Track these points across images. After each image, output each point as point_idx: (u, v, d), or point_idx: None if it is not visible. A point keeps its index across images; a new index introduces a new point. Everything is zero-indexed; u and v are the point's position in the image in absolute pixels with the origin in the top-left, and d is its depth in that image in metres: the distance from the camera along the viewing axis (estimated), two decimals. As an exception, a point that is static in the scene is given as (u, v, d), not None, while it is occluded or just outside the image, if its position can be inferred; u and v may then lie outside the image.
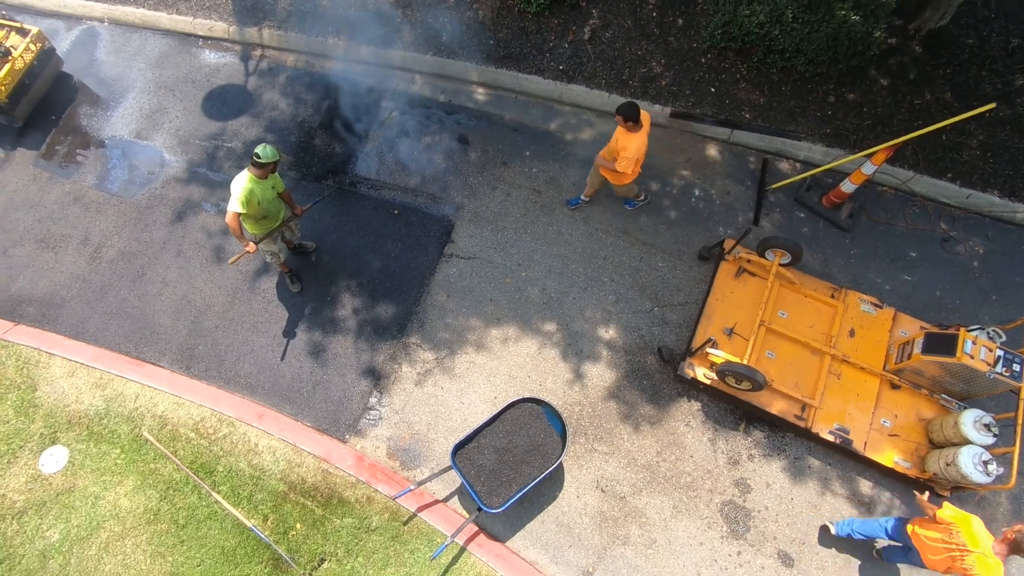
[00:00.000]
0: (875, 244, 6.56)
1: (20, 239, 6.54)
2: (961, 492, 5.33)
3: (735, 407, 5.82)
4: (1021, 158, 6.69)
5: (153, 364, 5.99)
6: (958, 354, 4.96)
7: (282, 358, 5.99)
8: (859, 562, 5.28)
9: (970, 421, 5.00)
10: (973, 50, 7.10)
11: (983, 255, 6.48)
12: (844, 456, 5.61)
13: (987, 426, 4.93)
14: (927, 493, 4.67)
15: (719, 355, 5.45)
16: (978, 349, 4.93)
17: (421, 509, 5.39)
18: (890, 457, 5.34)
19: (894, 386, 5.58)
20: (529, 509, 5.43)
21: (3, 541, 5.23)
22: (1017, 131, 6.77)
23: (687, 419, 5.81)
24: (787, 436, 5.74)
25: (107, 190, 6.80)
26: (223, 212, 6.63)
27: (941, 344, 5.12)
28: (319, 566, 5.16)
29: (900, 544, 4.89)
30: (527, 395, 5.45)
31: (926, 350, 5.18)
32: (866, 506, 5.47)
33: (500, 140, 7.10)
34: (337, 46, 7.50)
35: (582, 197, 6.56)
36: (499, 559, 5.23)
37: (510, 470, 5.05)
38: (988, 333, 5.22)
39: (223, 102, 7.29)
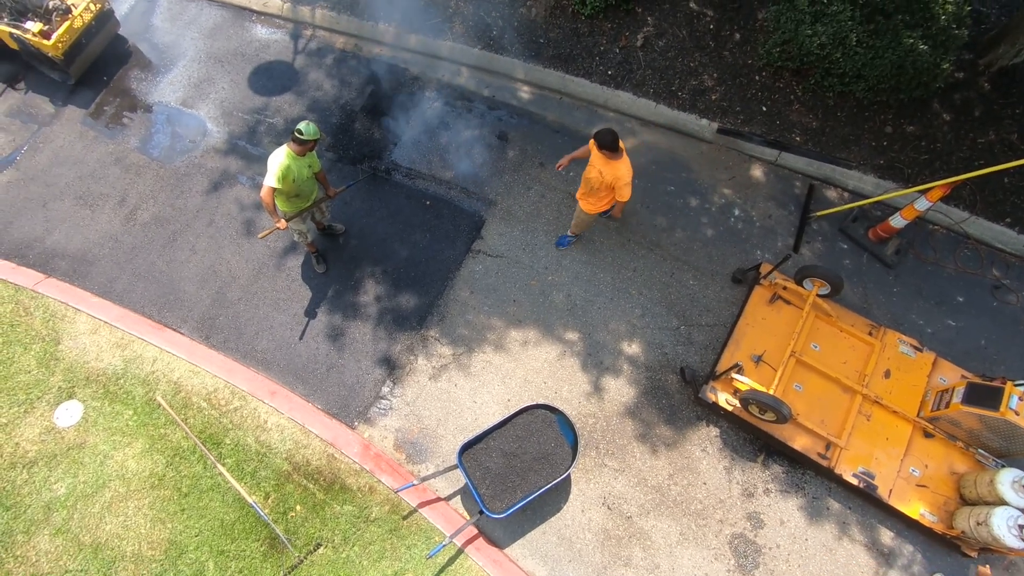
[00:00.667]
0: (920, 284, 6.27)
1: (60, 194, 6.66)
2: (989, 554, 5.03)
3: (755, 437, 5.60)
4: (1087, 209, 6.33)
5: (174, 330, 6.02)
6: (1002, 408, 4.69)
7: (300, 337, 5.97)
8: (871, 615, 5.02)
9: (1008, 481, 4.71)
10: (1046, 91, 6.75)
11: (1036, 307, 6.14)
12: (866, 502, 5.35)
13: (1026, 488, 4.64)
14: (988, 567, 4.40)
15: (744, 381, 5.24)
16: (1024, 406, 4.64)
17: (422, 505, 5.29)
18: (916, 509, 5.06)
19: (927, 434, 5.31)
20: (531, 518, 5.29)
21: (12, 489, 5.30)
22: (1086, 180, 6.41)
23: (704, 444, 5.61)
24: (807, 474, 5.50)
25: (148, 154, 6.88)
26: (258, 186, 6.65)
27: (984, 396, 4.84)
28: (314, 551, 5.11)
29: None
30: (542, 401, 5.32)
31: (967, 401, 4.90)
32: (885, 557, 5.20)
33: (540, 140, 6.99)
34: (387, 32, 7.48)
35: (570, 236, 6.33)
36: (496, 565, 5.10)
37: (516, 476, 4.93)
38: (1036, 390, 4.91)
39: (269, 78, 7.33)
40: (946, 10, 6.03)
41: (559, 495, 5.37)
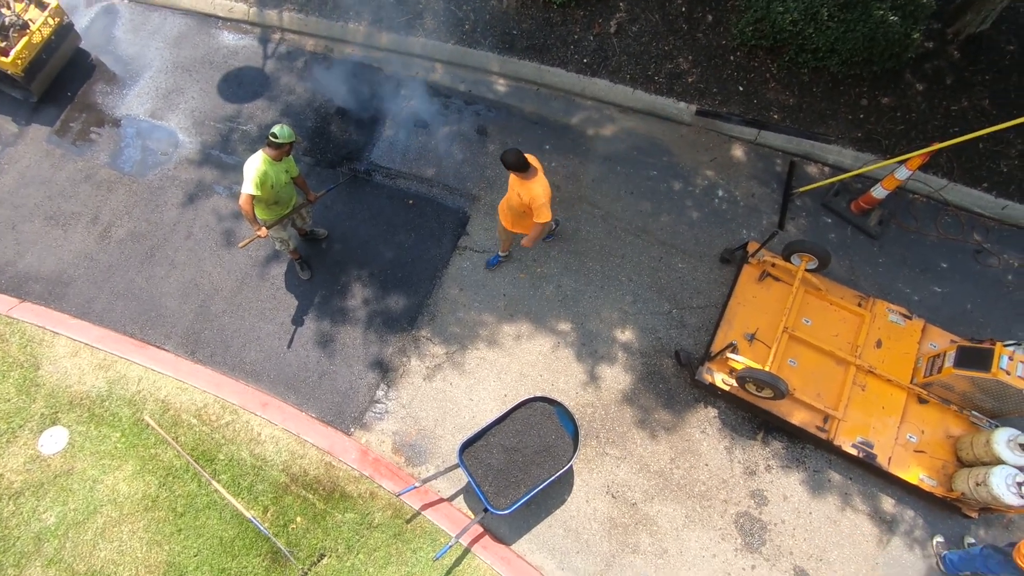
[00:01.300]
0: (904, 253, 6.33)
1: (30, 215, 6.45)
2: (989, 514, 5.10)
3: (753, 415, 5.62)
4: (1061, 169, 6.44)
5: (158, 347, 5.87)
6: (993, 369, 4.74)
7: (289, 346, 5.85)
8: (879, 582, 5.06)
9: (1003, 440, 4.77)
10: (1014, 56, 6.85)
11: (1017, 268, 6.23)
12: (866, 471, 5.39)
13: (1022, 446, 4.70)
14: None
15: (740, 360, 5.25)
16: (1015, 365, 4.70)
17: (425, 507, 5.22)
18: (915, 474, 5.11)
19: (921, 400, 5.36)
20: (536, 512, 5.25)
21: (-1, 521, 5.12)
22: (1058, 141, 6.53)
23: (703, 426, 5.60)
24: (807, 448, 5.52)
25: (119, 169, 6.70)
26: (236, 195, 6.51)
27: (975, 358, 4.90)
28: (318, 562, 5.01)
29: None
30: (539, 394, 5.27)
31: (959, 364, 4.95)
32: (887, 524, 5.24)
33: (519, 133, 6.93)
34: (358, 32, 7.36)
35: (500, 254, 6.14)
36: (504, 562, 5.05)
37: (519, 471, 4.88)
38: (1025, 349, 4.98)
39: (240, 84, 7.18)
40: (913, -20, 6.09)
41: (563, 487, 5.34)
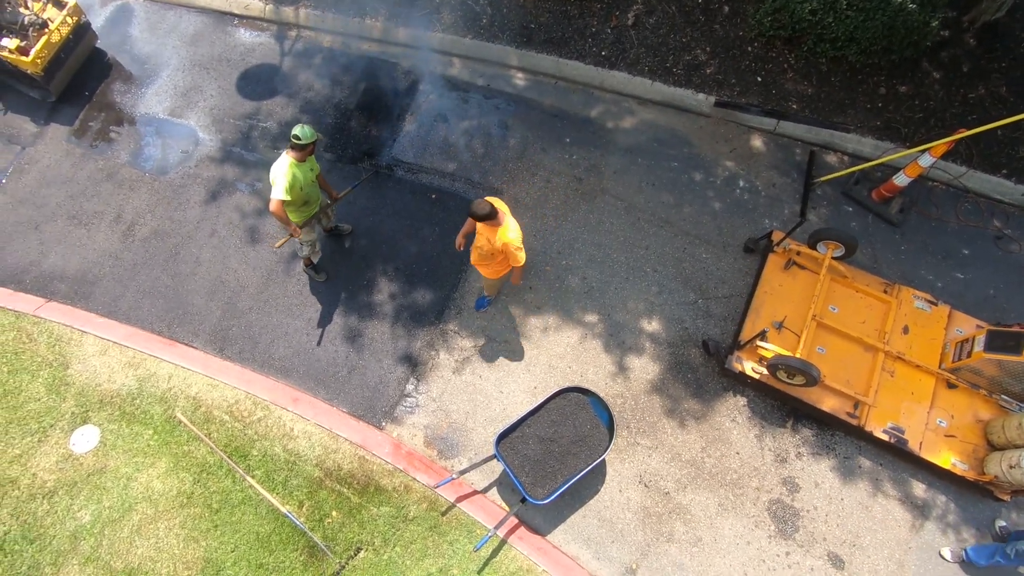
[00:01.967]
0: (926, 240, 6.37)
1: (52, 215, 6.43)
2: (1022, 496, 5.13)
3: (782, 403, 5.65)
4: (1080, 155, 6.48)
5: (186, 345, 5.86)
6: (1023, 353, 4.78)
7: (317, 342, 5.85)
8: (913, 567, 5.09)
9: (1036, 423, 4.81)
10: (1030, 43, 6.89)
11: (1039, 254, 6.28)
12: (896, 457, 5.43)
13: (1055, 428, 4.74)
14: None
15: (771, 348, 5.27)
16: (1046, 348, 4.74)
17: (460, 500, 5.24)
18: (947, 459, 5.14)
19: (950, 385, 5.39)
20: (570, 503, 5.27)
21: (34, 521, 5.12)
22: (1076, 127, 6.56)
23: (733, 415, 5.63)
24: (836, 435, 5.56)
25: (140, 168, 6.69)
26: (257, 192, 6.51)
27: (1005, 342, 4.93)
28: (355, 555, 5.02)
29: None
30: (571, 384, 5.29)
31: (989, 348, 4.99)
32: (919, 509, 5.28)
33: (540, 126, 6.94)
34: (374, 27, 7.35)
35: (488, 297, 5.95)
36: (540, 553, 5.07)
37: (555, 461, 4.90)
38: (1055, 332, 5.02)
39: (258, 82, 7.17)
40: (932, -32, 6.12)
41: (596, 478, 5.36)
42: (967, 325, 5.59)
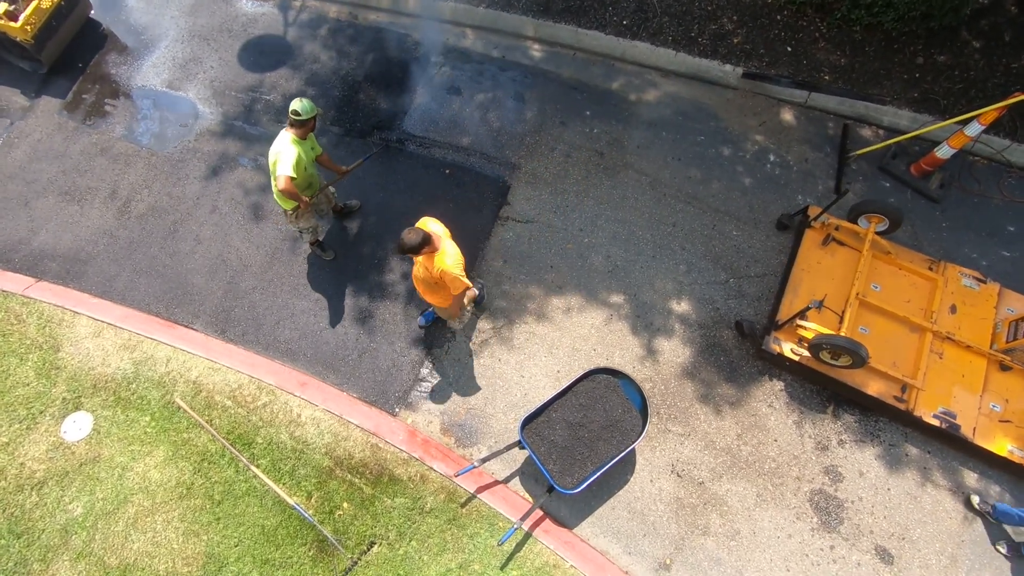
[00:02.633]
0: (968, 217, 6.02)
1: (43, 191, 6.07)
2: (1084, 485, 4.79)
3: (823, 388, 5.29)
4: None
5: (186, 326, 5.50)
6: (1089, 330, 4.43)
7: (327, 324, 5.49)
8: (968, 562, 4.73)
9: (1105, 405, 4.45)
10: (1076, 10, 6.54)
11: (1089, 230, 5.93)
12: (946, 444, 5.07)
13: (1126, 410, 4.39)
14: None
15: (813, 328, 4.92)
16: (1115, 324, 4.38)
17: (480, 490, 4.88)
18: (1003, 445, 4.79)
19: (1004, 367, 5.04)
20: (598, 494, 4.91)
21: (21, 514, 4.75)
22: None
23: (769, 400, 5.28)
24: (880, 421, 5.20)
25: (137, 142, 6.32)
26: (261, 167, 6.15)
27: (1069, 319, 4.58)
28: (368, 550, 4.66)
29: None
30: (601, 365, 4.93)
31: (1050, 326, 4.64)
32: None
33: (558, 99, 6.58)
34: (383, -3, 7.00)
35: (455, 327, 5.38)
36: (567, 547, 4.71)
37: (585, 447, 4.54)
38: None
39: (261, 53, 6.80)
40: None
41: (625, 467, 5.00)
42: (1019, 304, 5.25)
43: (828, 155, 6.31)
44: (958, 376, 5.03)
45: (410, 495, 4.85)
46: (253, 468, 4.82)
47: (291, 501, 4.68)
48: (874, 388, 4.99)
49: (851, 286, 5.22)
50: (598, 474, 4.44)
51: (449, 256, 4.20)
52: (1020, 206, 6.06)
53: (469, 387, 5.28)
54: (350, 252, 5.80)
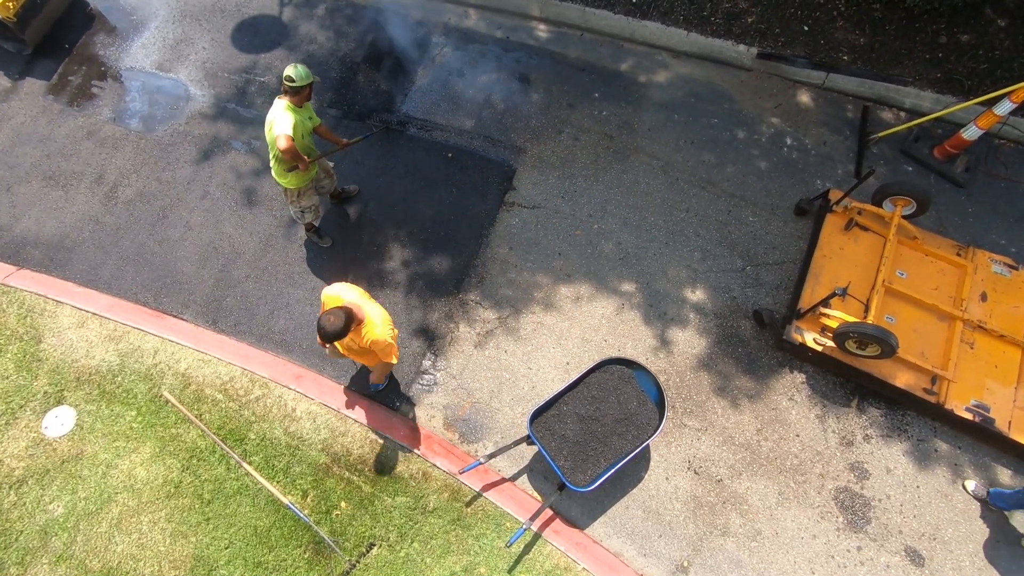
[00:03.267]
0: (995, 202, 5.75)
1: (26, 175, 5.78)
2: None
3: (846, 380, 5.02)
4: None
5: (175, 316, 5.22)
6: None
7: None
8: (1003, 563, 4.46)
9: None
10: (1105, -13, 6.27)
11: (1123, 216, 5.66)
12: (977, 439, 4.80)
13: None
14: None
15: (839, 316, 4.64)
16: None
17: (486, 488, 4.60)
18: (1040, 440, 4.52)
19: (1039, 358, 4.77)
20: (610, 492, 4.64)
21: (-2, 514, 4.47)
22: None
23: (790, 393, 5.00)
24: (908, 415, 4.93)
25: (125, 125, 6.04)
26: (255, 151, 5.88)
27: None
28: (367, 552, 4.38)
29: None
30: (613, 356, 4.65)
31: (1092, 313, 4.37)
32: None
33: (565, 80, 6.31)
34: (382, -25, 6.72)
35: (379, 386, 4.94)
36: (579, 548, 4.44)
37: (598, 442, 4.26)
38: None
39: (255, 33, 6.53)
40: None
41: (639, 464, 4.73)
42: (1053, 292, 4.98)
43: (847, 138, 6.04)
44: (991, 367, 4.76)
45: (412, 494, 4.57)
46: (245, 465, 4.53)
47: (286, 500, 4.41)
48: (902, 380, 4.71)
49: (876, 273, 4.95)
50: (612, 471, 4.17)
51: (377, 325, 3.77)
52: (1050, 191, 5.79)
53: (474, 380, 5.01)
54: (348, 239, 5.53)
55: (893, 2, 6.14)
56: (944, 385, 4.67)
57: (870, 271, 5.05)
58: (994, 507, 4.58)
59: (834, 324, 4.69)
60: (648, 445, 4.58)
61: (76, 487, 4.56)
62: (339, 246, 5.49)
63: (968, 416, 4.58)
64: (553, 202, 5.71)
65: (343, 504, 4.53)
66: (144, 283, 5.34)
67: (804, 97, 6.26)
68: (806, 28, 6.35)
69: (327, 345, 4.07)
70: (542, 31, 6.58)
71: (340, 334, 3.54)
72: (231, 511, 4.48)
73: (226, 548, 4.38)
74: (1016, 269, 5.06)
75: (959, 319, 4.84)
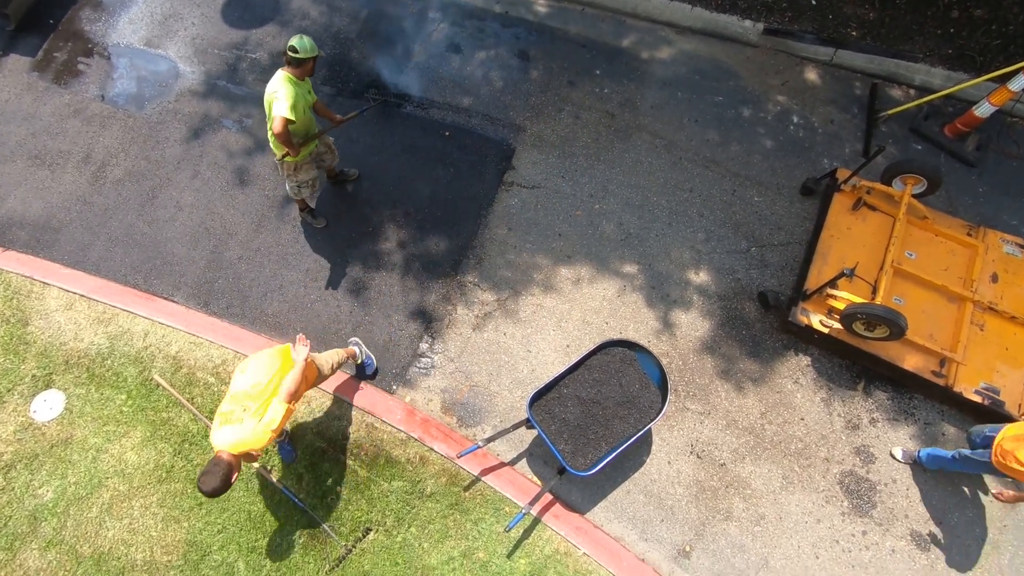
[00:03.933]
0: (1007, 181, 5.61)
1: (11, 155, 5.62)
2: None
3: (853, 363, 4.92)
4: None
5: (165, 298, 5.09)
6: None
7: (318, 296, 5.09)
8: (1011, 548, 4.38)
9: None
10: (1123, -40, 6.08)
11: None
12: (986, 422, 4.67)
13: None
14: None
15: (847, 297, 4.52)
16: None
17: (485, 473, 4.51)
18: (1052, 423, 4.42)
19: (1051, 340, 4.66)
20: (612, 476, 4.54)
21: (-14, 499, 4.38)
22: None
23: (795, 376, 4.90)
24: (915, 398, 4.83)
25: (112, 103, 5.87)
26: (246, 129, 5.71)
27: None
28: (363, 537, 4.30)
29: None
30: (615, 338, 4.54)
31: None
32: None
33: (565, 57, 6.13)
34: (377, -52, 6.51)
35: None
36: (579, 533, 4.36)
37: (599, 426, 4.16)
38: None
39: (246, 8, 6.33)
40: None
41: (640, 448, 4.63)
42: (1065, 272, 4.86)
43: (855, 116, 5.89)
44: (1001, 349, 4.66)
45: (409, 478, 4.47)
46: (238, 450, 4.43)
47: (280, 485, 4.30)
48: (910, 362, 4.61)
49: (885, 253, 4.83)
50: (613, 455, 4.07)
51: (264, 422, 3.51)
52: (1062, 170, 5.65)
53: (472, 363, 4.90)
54: (343, 219, 5.39)
55: (904, -25, 5.97)
56: (953, 367, 4.57)
57: (878, 251, 4.92)
58: (929, 471, 4.55)
59: (841, 305, 4.57)
60: (650, 429, 4.49)
61: (66, 472, 4.47)
62: (334, 227, 5.35)
63: (977, 399, 4.49)
64: (553, 182, 5.56)
65: (339, 489, 4.43)
66: (133, 264, 5.21)
67: (811, 74, 6.09)
68: (814, 2, 6.17)
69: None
70: (542, 6, 6.39)
71: (221, 489, 3.35)
72: (224, 495, 4.37)
73: (219, 533, 4.29)
74: (1028, 249, 4.94)
75: (969, 300, 4.72)
